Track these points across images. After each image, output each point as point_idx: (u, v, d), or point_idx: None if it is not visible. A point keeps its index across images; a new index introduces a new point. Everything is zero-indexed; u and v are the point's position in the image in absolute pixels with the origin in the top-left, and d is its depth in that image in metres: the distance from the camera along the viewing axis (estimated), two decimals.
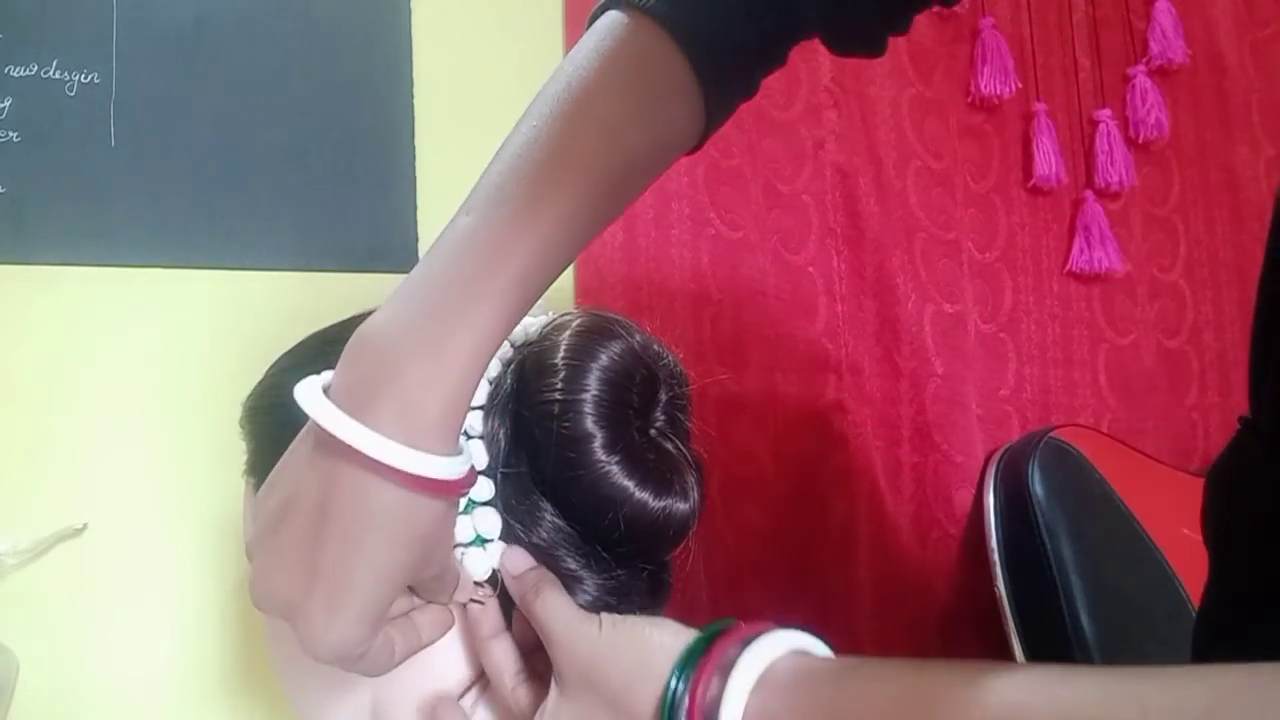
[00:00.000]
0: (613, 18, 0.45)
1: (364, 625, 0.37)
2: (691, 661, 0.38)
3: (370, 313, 0.40)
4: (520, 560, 0.44)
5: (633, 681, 0.39)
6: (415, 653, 0.42)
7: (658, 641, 0.40)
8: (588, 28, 0.46)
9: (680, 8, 0.44)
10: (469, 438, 0.44)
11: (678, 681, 0.37)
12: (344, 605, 0.36)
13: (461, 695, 0.47)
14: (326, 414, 0.36)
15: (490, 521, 0.44)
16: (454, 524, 0.42)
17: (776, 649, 0.37)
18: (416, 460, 0.35)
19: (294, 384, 0.38)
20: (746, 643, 0.37)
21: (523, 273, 0.38)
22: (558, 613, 0.42)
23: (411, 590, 0.44)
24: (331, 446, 0.36)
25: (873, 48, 0.51)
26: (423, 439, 0.36)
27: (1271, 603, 0.45)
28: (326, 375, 0.38)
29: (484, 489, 0.44)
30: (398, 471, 0.35)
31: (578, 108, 0.42)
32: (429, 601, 0.44)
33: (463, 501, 0.43)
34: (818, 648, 0.39)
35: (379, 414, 0.35)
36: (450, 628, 0.45)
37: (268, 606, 0.38)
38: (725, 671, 0.37)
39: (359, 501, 0.36)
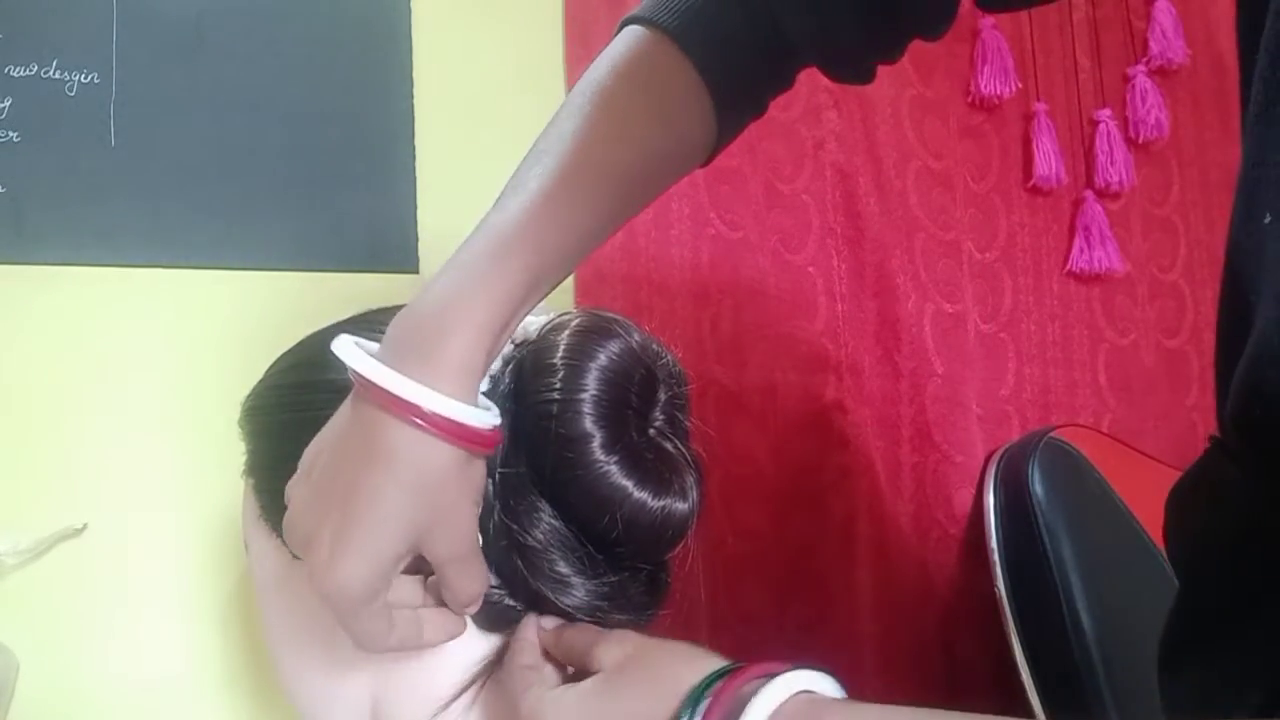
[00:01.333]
0: (631, 32, 0.50)
1: (365, 567, 0.38)
2: (726, 671, 0.39)
3: (368, 311, 0.40)
4: (549, 621, 0.46)
5: (678, 663, 0.40)
6: (411, 649, 0.42)
7: (701, 652, 0.42)
8: (613, 39, 0.51)
9: (693, 28, 0.49)
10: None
11: (716, 673, 0.38)
12: (349, 539, 0.38)
13: (457, 696, 0.47)
14: (350, 353, 0.39)
15: None
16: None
17: (796, 684, 0.37)
18: (428, 396, 0.38)
19: (293, 384, 0.38)
20: (770, 676, 0.37)
21: (538, 247, 0.42)
22: (593, 628, 0.45)
23: (428, 581, 0.44)
24: (358, 389, 0.40)
25: (863, 77, 0.55)
26: (438, 380, 0.38)
27: (1238, 619, 0.44)
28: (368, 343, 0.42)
29: None
30: (408, 404, 0.37)
31: (597, 106, 0.46)
32: (455, 592, 0.43)
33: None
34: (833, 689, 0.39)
35: (404, 359, 0.39)
36: (457, 636, 0.44)
37: (292, 543, 0.41)
38: (763, 682, 0.37)
39: (372, 435, 0.39)
